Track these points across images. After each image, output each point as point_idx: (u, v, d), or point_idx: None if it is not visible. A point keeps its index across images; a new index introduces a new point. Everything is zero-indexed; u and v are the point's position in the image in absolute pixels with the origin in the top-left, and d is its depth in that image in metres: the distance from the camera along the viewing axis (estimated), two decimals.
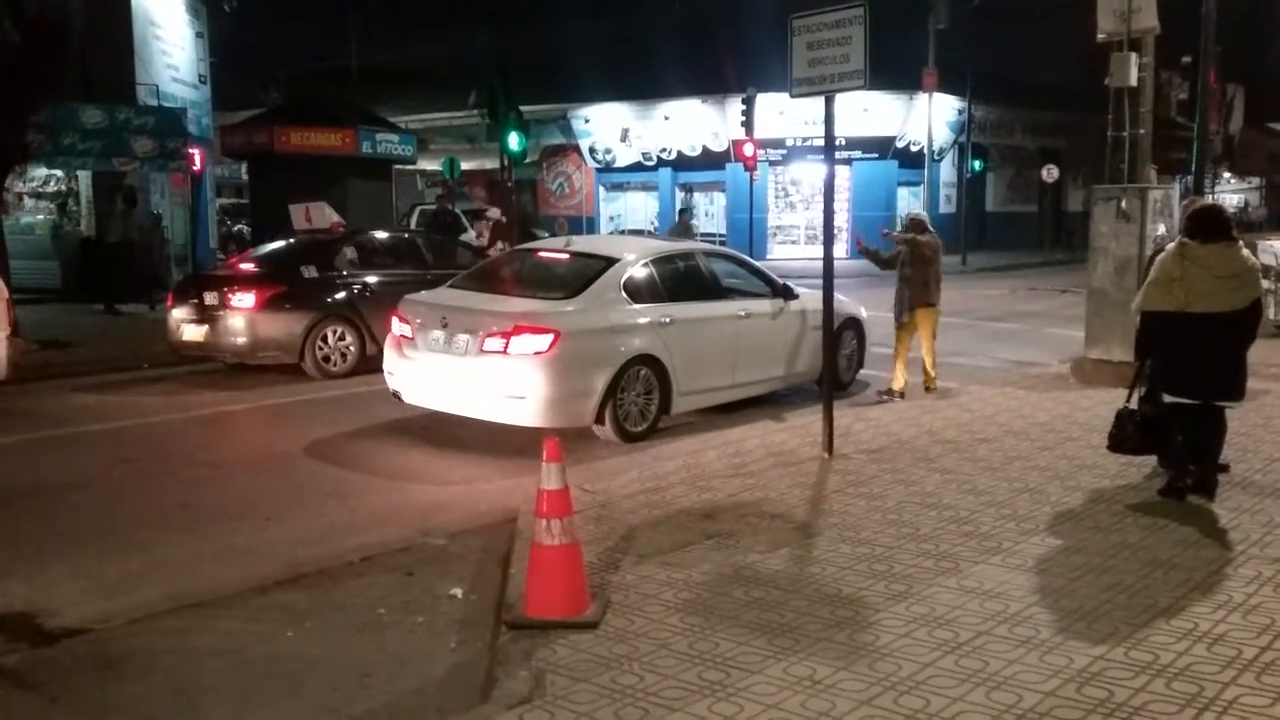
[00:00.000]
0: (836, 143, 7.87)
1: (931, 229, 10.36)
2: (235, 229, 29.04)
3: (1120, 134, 11.31)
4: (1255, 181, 52.25)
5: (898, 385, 10.15)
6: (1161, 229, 10.55)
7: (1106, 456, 7.06)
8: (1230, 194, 50.56)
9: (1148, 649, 4.26)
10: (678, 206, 29.43)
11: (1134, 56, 10.92)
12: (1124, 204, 10.45)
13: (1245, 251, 6.35)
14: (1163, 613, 4.65)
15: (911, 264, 10.09)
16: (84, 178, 20.10)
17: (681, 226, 22.47)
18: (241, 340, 11.38)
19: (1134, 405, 6.68)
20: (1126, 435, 6.63)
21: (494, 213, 14.49)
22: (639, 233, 31.70)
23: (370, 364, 11.07)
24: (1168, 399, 6.42)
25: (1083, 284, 12.01)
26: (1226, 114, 40.50)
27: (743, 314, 9.53)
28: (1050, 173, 35.09)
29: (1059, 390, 10.28)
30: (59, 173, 19.97)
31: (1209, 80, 16.50)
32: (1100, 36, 11.10)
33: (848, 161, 32.79)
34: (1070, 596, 4.86)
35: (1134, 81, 11.01)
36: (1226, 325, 6.20)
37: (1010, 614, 4.65)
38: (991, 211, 38.78)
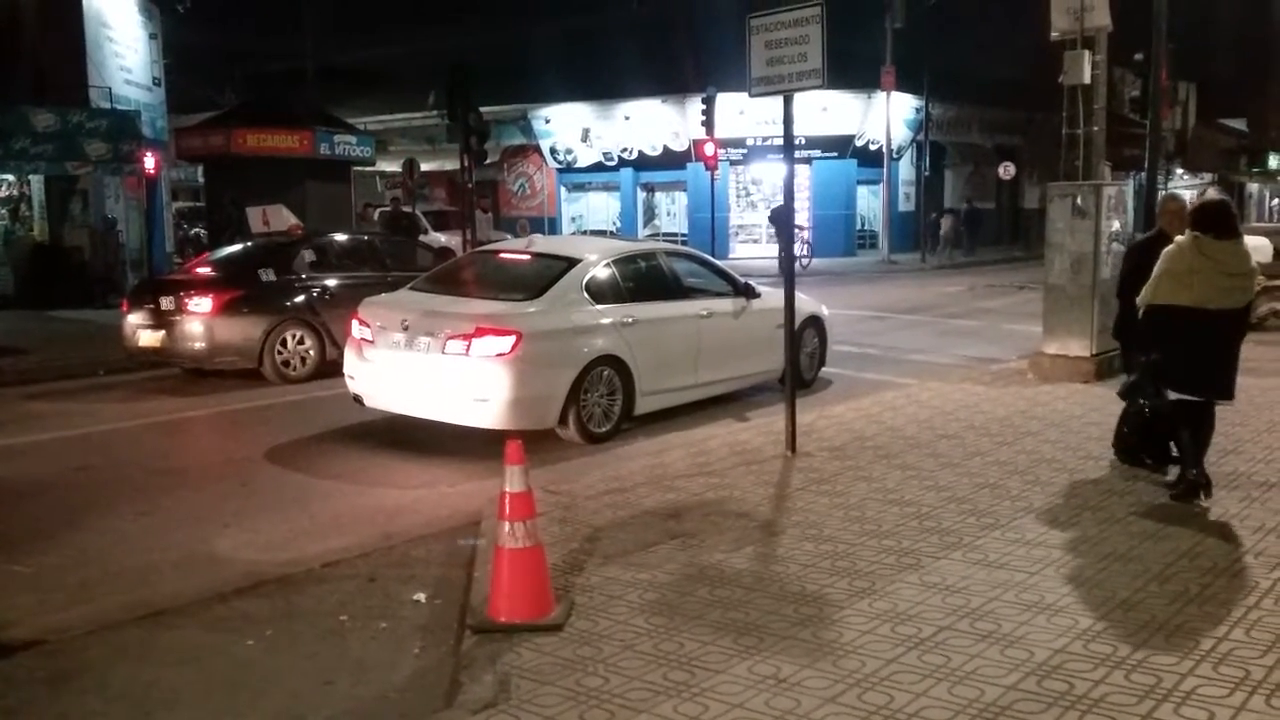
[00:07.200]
0: (796, 142, 7.89)
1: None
2: (192, 232, 28.72)
3: (1075, 131, 11.43)
4: (1208, 177, 53.03)
5: None
6: (1116, 225, 10.69)
7: (1065, 451, 7.13)
8: (1184, 189, 51.27)
9: (1107, 641, 4.31)
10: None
11: (1087, 55, 11.05)
12: (1079, 200, 10.57)
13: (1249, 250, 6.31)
14: (1121, 605, 4.71)
15: None
16: (36, 182, 19.81)
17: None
18: (199, 345, 11.23)
19: (1141, 401, 6.64)
20: (1134, 434, 6.67)
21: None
22: (601, 233, 31.73)
23: (330, 368, 10.95)
24: (1172, 395, 6.33)
25: (1041, 280, 12.13)
26: (1179, 111, 41.06)
27: (705, 313, 9.55)
28: (1007, 170, 35.48)
29: (1018, 386, 10.39)
30: (10, 177, 19.68)
31: (1161, 78, 16.72)
32: (1054, 35, 11.23)
33: (808, 160, 32.95)
34: (1030, 590, 4.91)
35: (1088, 79, 11.14)
36: (1231, 323, 6.18)
37: (972, 609, 4.69)
38: (950, 209, 39.13)
